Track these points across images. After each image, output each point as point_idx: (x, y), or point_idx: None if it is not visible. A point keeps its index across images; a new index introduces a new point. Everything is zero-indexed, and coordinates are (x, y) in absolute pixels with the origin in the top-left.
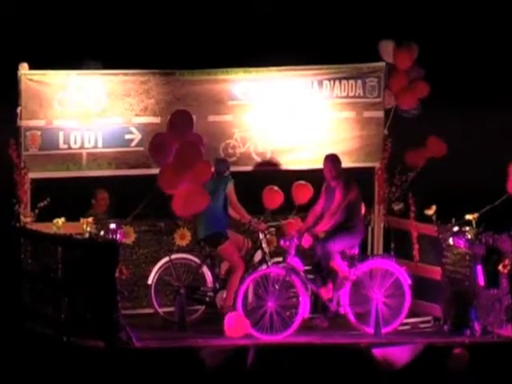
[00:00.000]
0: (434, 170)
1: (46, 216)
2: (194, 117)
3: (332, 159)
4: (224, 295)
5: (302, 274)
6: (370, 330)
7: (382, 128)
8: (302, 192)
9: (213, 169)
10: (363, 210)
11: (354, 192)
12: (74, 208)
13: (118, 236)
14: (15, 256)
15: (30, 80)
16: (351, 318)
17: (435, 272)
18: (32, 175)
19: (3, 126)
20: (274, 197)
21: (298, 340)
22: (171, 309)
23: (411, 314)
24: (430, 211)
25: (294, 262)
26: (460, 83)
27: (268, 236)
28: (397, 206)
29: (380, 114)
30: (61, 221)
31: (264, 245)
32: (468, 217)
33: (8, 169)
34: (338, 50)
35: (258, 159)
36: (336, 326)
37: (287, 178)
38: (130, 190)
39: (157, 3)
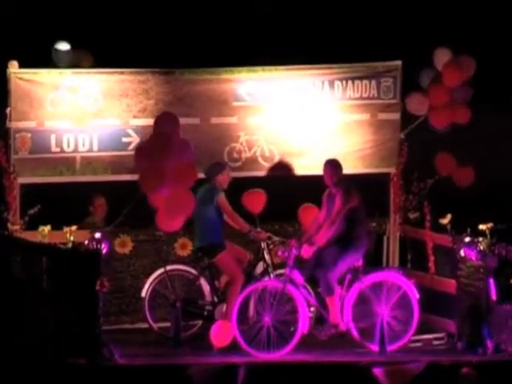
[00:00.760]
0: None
1: (37, 224)
2: (197, 119)
3: (332, 164)
4: (224, 309)
5: (302, 287)
6: (375, 347)
7: (397, 131)
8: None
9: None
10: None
11: (355, 199)
12: (67, 216)
13: (103, 246)
14: (3, 266)
15: (20, 79)
16: (354, 334)
17: (450, 285)
18: (21, 180)
19: None
20: (255, 199)
21: (294, 358)
22: (167, 324)
23: (426, 330)
24: (445, 220)
25: (293, 273)
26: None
27: (271, 246)
28: (412, 215)
29: (396, 116)
30: (47, 229)
31: (266, 255)
32: (481, 227)
33: None
34: (351, 48)
35: (265, 164)
36: (339, 342)
37: (296, 184)
38: (129, 197)
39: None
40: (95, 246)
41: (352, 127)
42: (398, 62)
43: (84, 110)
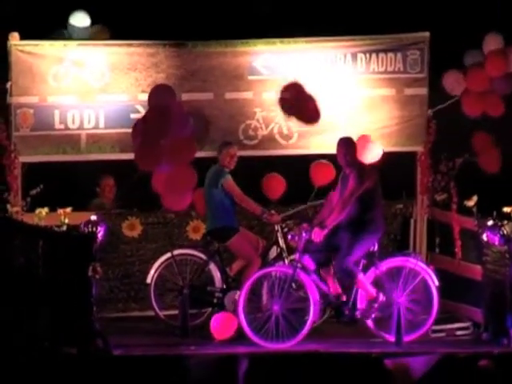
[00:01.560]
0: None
1: (40, 206)
2: (211, 94)
3: (346, 142)
4: (236, 296)
5: (313, 272)
6: (392, 337)
7: (425, 107)
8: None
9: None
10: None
11: (371, 180)
12: (72, 197)
13: (99, 229)
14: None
15: (22, 51)
16: (369, 323)
17: (477, 271)
18: (23, 159)
19: None
20: (276, 185)
21: (302, 348)
22: (176, 312)
23: (453, 319)
24: (471, 202)
25: (304, 259)
26: None
27: (286, 229)
28: (439, 197)
29: (423, 91)
30: (44, 211)
31: (280, 239)
32: (506, 209)
33: None
34: (375, 19)
35: (283, 142)
36: (354, 332)
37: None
38: (138, 177)
39: None
40: (90, 230)
41: (376, 103)
42: (426, 34)
43: (90, 85)
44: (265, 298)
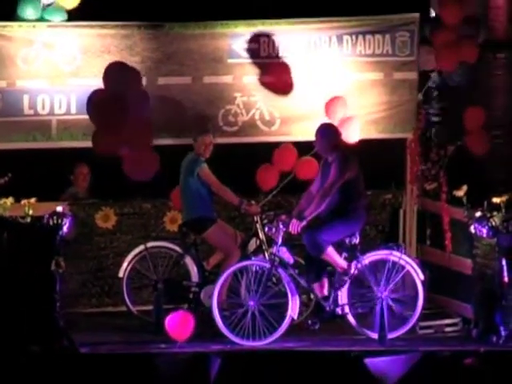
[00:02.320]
0: None
1: (7, 196)
2: (188, 78)
3: (326, 129)
4: (215, 291)
5: (292, 267)
6: (374, 334)
7: (415, 92)
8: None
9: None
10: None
11: (353, 170)
12: (44, 186)
13: (64, 221)
14: None
15: None
16: (351, 320)
17: (467, 265)
18: None
19: None
20: (269, 176)
21: (279, 346)
22: (150, 307)
23: (442, 315)
24: (460, 192)
25: (281, 252)
26: None
27: (265, 221)
28: (429, 186)
29: (413, 75)
30: (9, 201)
31: (259, 231)
32: (495, 200)
33: None
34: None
35: (265, 129)
36: (336, 330)
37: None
38: (115, 164)
39: None
40: (55, 222)
41: (364, 87)
42: (416, 15)
43: (60, 68)
44: (243, 293)
